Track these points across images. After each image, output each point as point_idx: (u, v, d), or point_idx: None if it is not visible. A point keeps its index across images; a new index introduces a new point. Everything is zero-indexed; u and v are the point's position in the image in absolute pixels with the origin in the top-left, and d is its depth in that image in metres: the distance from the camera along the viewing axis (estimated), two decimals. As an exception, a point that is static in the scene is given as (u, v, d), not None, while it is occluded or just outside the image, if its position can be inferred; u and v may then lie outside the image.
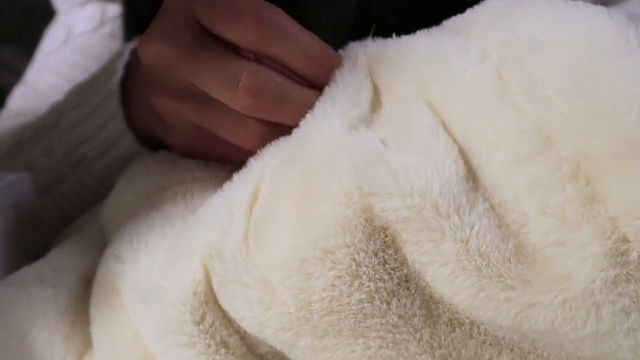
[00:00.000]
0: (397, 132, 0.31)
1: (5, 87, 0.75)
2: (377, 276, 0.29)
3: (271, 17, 0.33)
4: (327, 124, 0.32)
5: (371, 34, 0.37)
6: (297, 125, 0.34)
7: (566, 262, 0.27)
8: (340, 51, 0.36)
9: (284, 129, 0.34)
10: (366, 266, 0.29)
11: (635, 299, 0.26)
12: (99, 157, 0.45)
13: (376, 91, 0.33)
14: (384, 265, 0.29)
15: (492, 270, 0.27)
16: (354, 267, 0.28)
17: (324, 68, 0.34)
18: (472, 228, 0.28)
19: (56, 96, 0.60)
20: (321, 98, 0.33)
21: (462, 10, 0.35)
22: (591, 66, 0.28)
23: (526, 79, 0.28)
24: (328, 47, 0.35)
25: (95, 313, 0.36)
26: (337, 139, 0.31)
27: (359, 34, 0.53)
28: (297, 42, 0.34)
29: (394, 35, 0.35)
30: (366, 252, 0.29)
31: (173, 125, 0.38)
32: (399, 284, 0.29)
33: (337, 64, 0.34)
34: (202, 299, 0.31)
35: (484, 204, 0.28)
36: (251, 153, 0.35)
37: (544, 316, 0.27)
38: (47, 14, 0.69)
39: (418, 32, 0.34)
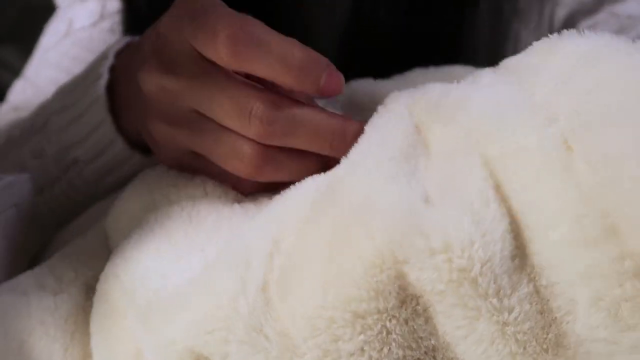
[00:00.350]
0: (444, 188, 0.28)
1: (5, 87, 0.74)
2: (405, 344, 0.27)
3: (243, 32, 0.32)
4: (363, 171, 0.30)
5: None
6: (310, 149, 0.33)
7: None
8: (388, 96, 0.34)
9: (282, 157, 0.34)
10: (397, 334, 0.27)
11: None
12: (91, 161, 0.45)
13: (425, 140, 0.31)
14: (413, 334, 0.28)
15: (527, 359, 0.26)
16: (384, 334, 0.27)
17: (308, 77, 0.33)
18: (510, 312, 0.26)
19: None
20: (358, 142, 0.32)
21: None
22: None
23: (597, 159, 0.26)
24: (310, 53, 0.33)
25: (96, 327, 0.35)
26: (374, 189, 0.29)
27: (353, 34, 0.53)
28: (275, 55, 0.32)
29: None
30: (397, 320, 0.27)
31: (167, 149, 0.38)
32: (425, 352, 0.28)
33: (323, 69, 0.33)
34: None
35: (528, 286, 0.26)
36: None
37: None
38: (47, 14, 0.68)
39: (480, 73, 0.32)
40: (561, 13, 0.58)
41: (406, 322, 0.27)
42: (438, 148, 0.30)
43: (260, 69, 0.33)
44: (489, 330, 0.26)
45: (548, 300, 0.26)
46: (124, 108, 0.43)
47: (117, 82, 0.43)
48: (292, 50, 0.32)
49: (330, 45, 0.55)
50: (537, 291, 0.26)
